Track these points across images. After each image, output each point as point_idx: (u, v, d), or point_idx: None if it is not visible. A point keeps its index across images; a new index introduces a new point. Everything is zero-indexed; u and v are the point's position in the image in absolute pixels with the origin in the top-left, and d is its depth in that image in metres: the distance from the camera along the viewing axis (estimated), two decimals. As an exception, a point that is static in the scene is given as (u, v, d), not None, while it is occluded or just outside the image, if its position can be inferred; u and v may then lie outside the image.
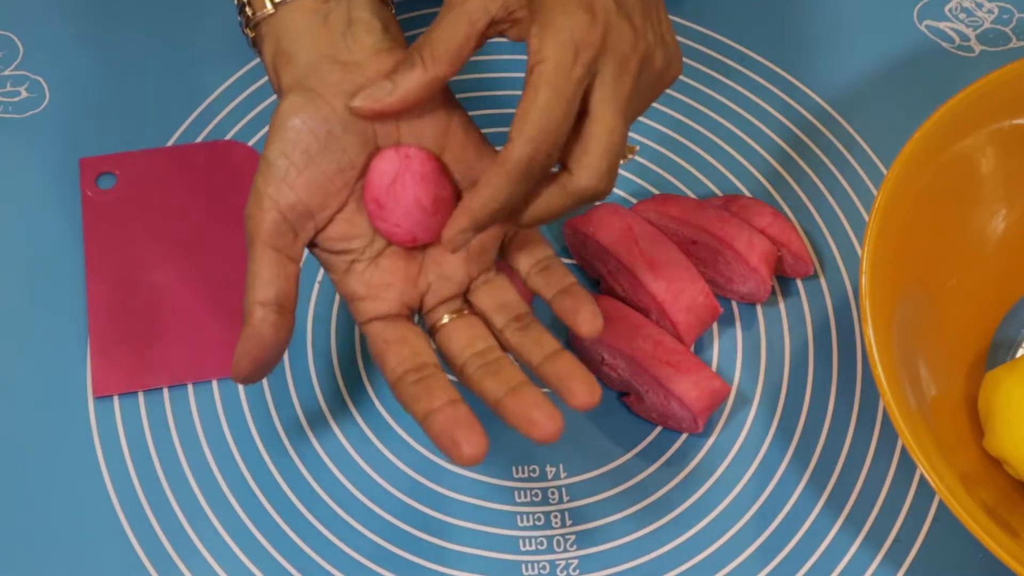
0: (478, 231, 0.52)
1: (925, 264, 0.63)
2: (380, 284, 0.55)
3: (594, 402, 0.52)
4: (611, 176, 0.52)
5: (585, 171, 0.51)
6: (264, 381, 0.65)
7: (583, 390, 0.52)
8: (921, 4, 0.77)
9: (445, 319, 0.56)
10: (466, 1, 0.51)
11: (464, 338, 0.55)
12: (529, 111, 0.49)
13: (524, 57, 0.51)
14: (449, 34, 0.51)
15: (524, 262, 0.56)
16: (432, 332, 0.56)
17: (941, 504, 0.63)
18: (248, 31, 0.57)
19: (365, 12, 0.55)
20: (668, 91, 0.73)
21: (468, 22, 0.51)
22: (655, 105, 0.73)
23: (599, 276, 0.66)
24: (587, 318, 0.54)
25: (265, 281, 0.53)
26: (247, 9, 0.57)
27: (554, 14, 0.50)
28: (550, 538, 0.62)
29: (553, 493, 0.63)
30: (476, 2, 0.51)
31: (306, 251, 0.55)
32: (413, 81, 0.52)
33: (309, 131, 0.53)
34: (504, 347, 0.55)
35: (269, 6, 0.56)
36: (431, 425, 0.51)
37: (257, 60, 0.70)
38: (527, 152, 0.50)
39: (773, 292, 0.68)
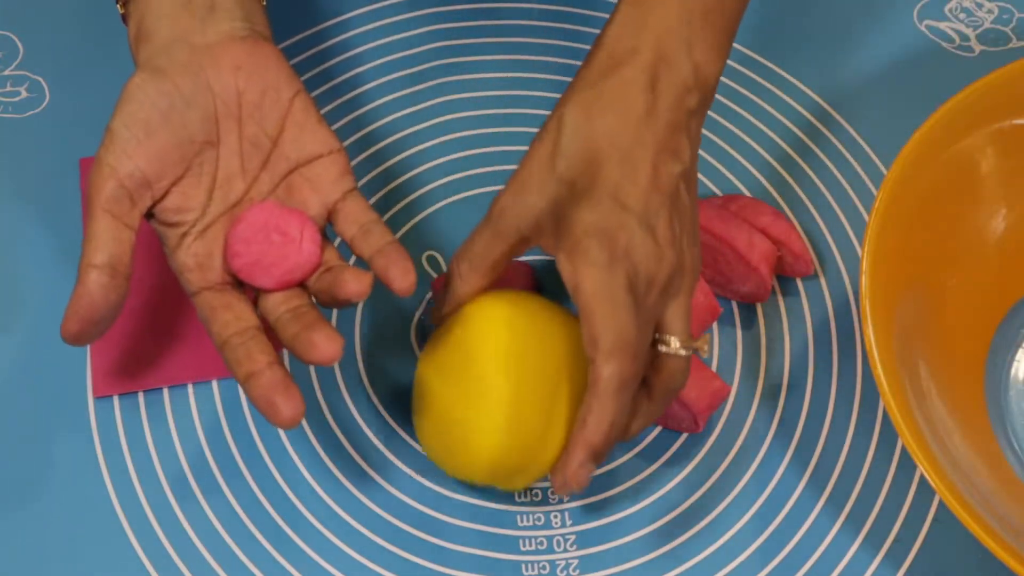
0: (599, 459, 0.55)
1: (925, 264, 0.63)
2: (207, 254, 0.57)
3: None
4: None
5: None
6: (264, 381, 0.65)
7: (400, 276, 0.55)
8: (921, 4, 0.77)
9: None
10: (501, 219, 0.56)
11: (279, 295, 0.57)
12: (595, 329, 0.54)
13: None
14: (485, 251, 0.57)
15: (349, 229, 0.58)
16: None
17: (941, 504, 0.62)
18: (119, 6, 0.59)
19: (228, 0, 0.58)
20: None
21: (501, 240, 0.56)
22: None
23: (599, 276, 0.66)
24: (398, 273, 0.56)
25: (99, 245, 0.54)
26: None
27: (577, 240, 0.54)
28: (550, 538, 0.62)
29: (553, 493, 0.63)
30: (510, 221, 0.56)
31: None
32: (459, 292, 0.58)
33: (151, 105, 0.56)
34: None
35: None
36: (250, 389, 0.54)
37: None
38: (611, 368, 0.53)
39: (773, 292, 0.68)
